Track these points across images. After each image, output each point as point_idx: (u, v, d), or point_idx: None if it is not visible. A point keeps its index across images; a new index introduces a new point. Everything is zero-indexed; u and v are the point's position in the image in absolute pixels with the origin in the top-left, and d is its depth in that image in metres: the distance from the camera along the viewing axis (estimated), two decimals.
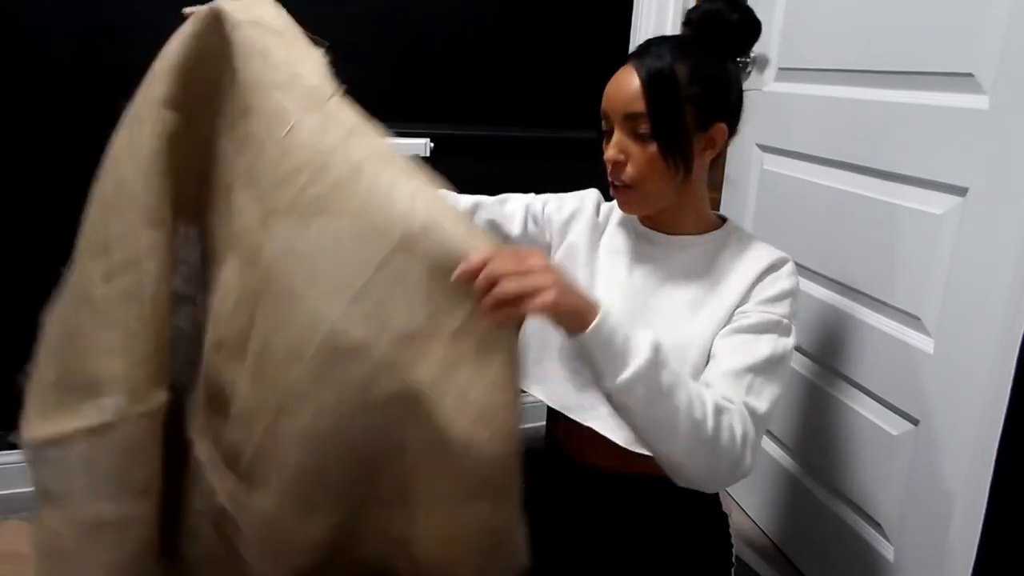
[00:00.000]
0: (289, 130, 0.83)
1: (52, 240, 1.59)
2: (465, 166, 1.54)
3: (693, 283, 1.03)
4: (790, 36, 1.57)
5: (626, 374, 0.78)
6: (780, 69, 1.59)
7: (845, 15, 1.40)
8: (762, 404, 0.89)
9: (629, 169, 0.97)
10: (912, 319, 1.23)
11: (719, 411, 0.84)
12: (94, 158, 1.66)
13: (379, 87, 1.71)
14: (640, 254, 1.07)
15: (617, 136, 0.97)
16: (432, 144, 1.68)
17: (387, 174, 0.83)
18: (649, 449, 0.85)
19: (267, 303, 0.79)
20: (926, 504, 1.20)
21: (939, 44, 1.18)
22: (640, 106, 0.94)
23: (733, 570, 1.07)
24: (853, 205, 1.36)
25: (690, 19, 1.01)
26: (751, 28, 1.02)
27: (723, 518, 1.10)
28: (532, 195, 1.17)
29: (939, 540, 1.17)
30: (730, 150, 1.74)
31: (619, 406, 0.81)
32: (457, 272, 0.74)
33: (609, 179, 1.00)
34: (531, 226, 1.14)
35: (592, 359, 0.79)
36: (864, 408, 1.35)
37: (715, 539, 1.08)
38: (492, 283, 0.72)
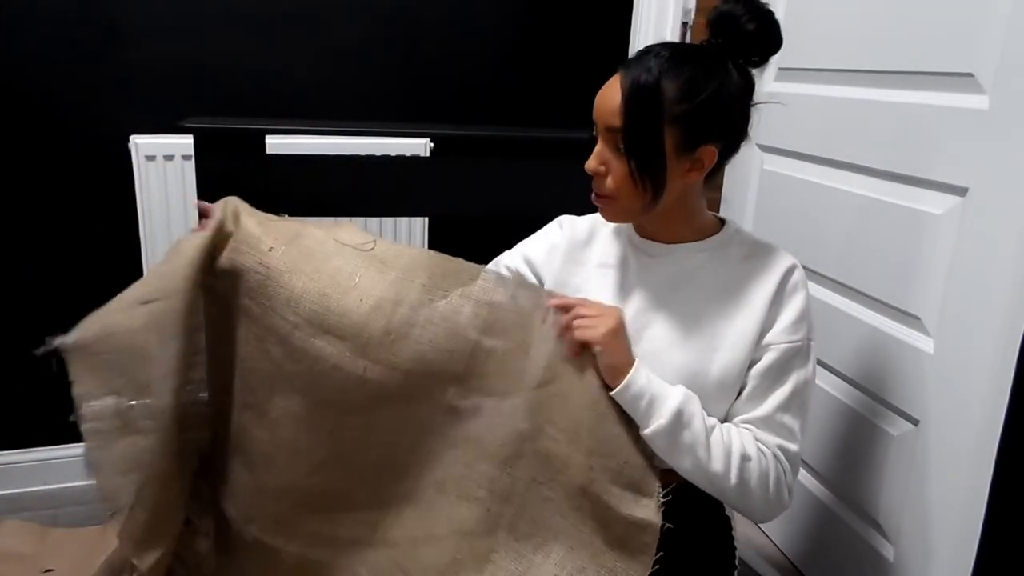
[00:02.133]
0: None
1: (51, 239, 1.59)
2: (465, 166, 1.54)
3: (697, 294, 0.99)
4: (790, 36, 1.55)
5: (647, 431, 0.90)
6: (780, 69, 1.59)
7: (845, 15, 1.40)
8: (794, 443, 0.96)
9: (608, 181, 0.93)
10: (912, 319, 1.23)
11: (745, 459, 0.92)
12: (94, 158, 1.66)
13: (379, 87, 1.71)
14: (638, 266, 1.03)
15: (599, 147, 0.94)
16: (432, 144, 1.68)
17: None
18: (704, 487, 0.94)
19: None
20: (926, 504, 1.20)
21: (939, 44, 1.18)
22: (617, 121, 0.90)
23: (736, 573, 1.07)
24: (853, 205, 1.36)
25: (709, 20, 0.95)
26: (770, 40, 0.94)
27: (726, 521, 1.09)
28: (517, 247, 1.15)
29: (939, 540, 1.17)
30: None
31: (657, 448, 0.92)
32: (556, 302, 0.95)
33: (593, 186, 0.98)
34: (531, 275, 1.11)
35: (627, 405, 0.91)
36: (864, 408, 1.35)
37: (719, 542, 1.08)
38: (571, 319, 0.93)
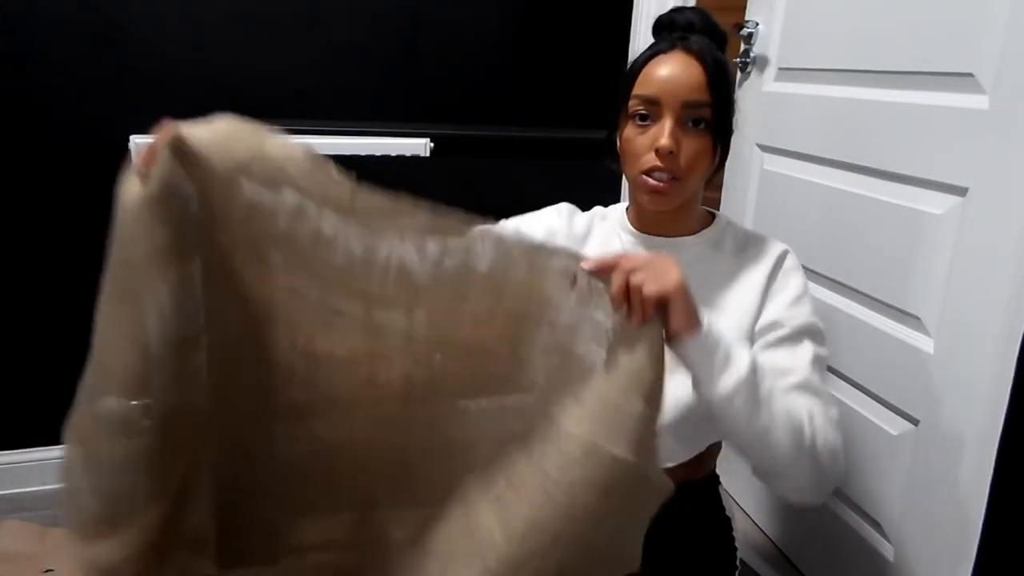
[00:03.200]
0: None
1: (51, 239, 1.59)
2: (465, 166, 1.54)
3: (700, 283, 1.01)
4: (790, 36, 1.57)
5: (727, 383, 0.79)
6: (780, 69, 1.59)
7: (845, 15, 1.39)
8: (834, 409, 0.91)
9: (681, 160, 0.93)
10: (912, 319, 1.23)
11: (812, 418, 0.85)
12: (94, 158, 1.66)
13: (379, 87, 1.71)
14: None
15: (671, 126, 0.92)
16: (432, 144, 1.68)
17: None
18: (755, 462, 0.87)
19: None
20: (926, 504, 1.20)
21: (939, 44, 1.18)
22: (704, 95, 0.92)
23: (737, 573, 1.07)
24: (853, 205, 1.36)
25: (692, 22, 0.97)
26: (727, 41, 1.02)
27: (726, 521, 1.09)
28: (503, 223, 1.11)
29: (939, 540, 1.17)
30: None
31: (720, 416, 0.82)
32: (592, 264, 0.77)
33: (646, 169, 0.94)
34: None
35: (695, 365, 0.79)
36: (864, 408, 1.35)
37: (719, 542, 1.08)
38: (626, 276, 0.75)
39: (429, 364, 0.83)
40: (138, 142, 1.50)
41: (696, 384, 0.81)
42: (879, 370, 1.31)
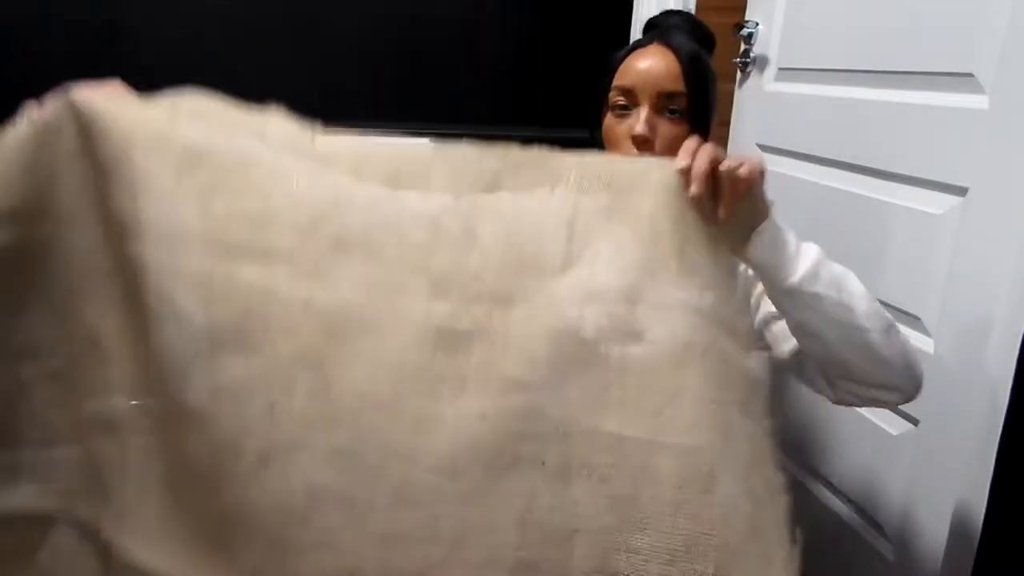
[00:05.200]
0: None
1: None
2: None
3: None
4: (790, 36, 1.56)
5: (807, 264, 0.80)
6: (780, 69, 1.59)
7: (845, 15, 1.39)
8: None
9: (657, 147, 0.97)
10: (912, 319, 1.23)
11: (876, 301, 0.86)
12: None
13: (379, 87, 1.71)
14: None
15: (647, 113, 0.97)
16: (432, 144, 1.68)
17: None
18: (849, 356, 0.83)
19: None
20: (926, 504, 1.20)
21: (939, 44, 1.18)
22: (679, 85, 0.96)
23: None
24: (853, 205, 1.36)
25: (677, 24, 1.04)
26: (714, 43, 1.08)
27: None
28: None
29: (939, 540, 1.17)
30: (730, 150, 1.74)
31: (808, 304, 0.80)
32: (680, 166, 0.72)
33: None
34: None
35: (774, 254, 0.79)
36: (864, 408, 1.34)
37: None
38: (712, 167, 0.73)
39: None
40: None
41: (776, 278, 0.80)
42: None
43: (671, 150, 0.93)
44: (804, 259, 0.81)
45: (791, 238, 0.82)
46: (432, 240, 0.72)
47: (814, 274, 0.80)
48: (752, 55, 1.65)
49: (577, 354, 0.69)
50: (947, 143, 1.16)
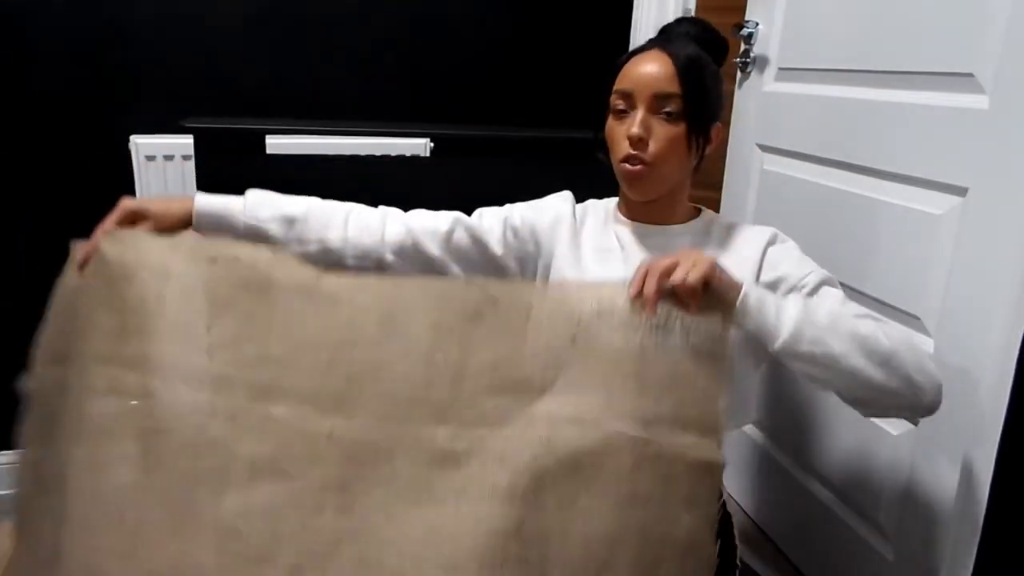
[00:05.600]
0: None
1: (51, 240, 1.59)
2: (465, 166, 1.54)
3: None
4: (790, 36, 1.57)
5: (788, 325, 0.85)
6: (780, 69, 1.59)
7: (845, 15, 1.40)
8: (894, 325, 0.96)
9: (651, 146, 1.00)
10: (912, 319, 1.23)
11: (880, 326, 0.91)
12: (94, 158, 1.66)
13: (379, 87, 1.71)
14: (631, 247, 1.09)
15: (642, 114, 1.00)
16: (432, 144, 1.68)
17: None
18: (854, 396, 0.92)
19: None
20: (926, 504, 1.20)
21: (939, 44, 1.18)
22: (674, 87, 0.99)
23: (738, 572, 1.07)
24: (853, 205, 1.36)
25: (688, 32, 1.05)
26: (725, 49, 1.09)
27: (727, 518, 1.09)
28: (508, 206, 1.15)
29: (939, 540, 1.17)
30: (730, 150, 1.74)
31: (798, 360, 0.87)
32: (632, 293, 0.83)
33: (622, 157, 1.02)
34: (511, 238, 1.11)
35: (755, 323, 0.86)
36: None
37: (720, 542, 1.08)
38: (662, 282, 0.83)
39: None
40: (139, 142, 1.50)
41: (763, 342, 0.87)
42: None
43: (665, 150, 1.00)
44: (786, 321, 0.86)
45: (769, 303, 0.86)
46: (428, 374, 0.85)
47: (798, 333, 0.85)
48: (752, 55, 1.66)
49: (552, 467, 0.81)
50: (947, 143, 1.16)
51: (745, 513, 1.73)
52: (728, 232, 1.09)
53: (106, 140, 1.54)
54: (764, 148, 1.64)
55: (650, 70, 1.00)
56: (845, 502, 1.41)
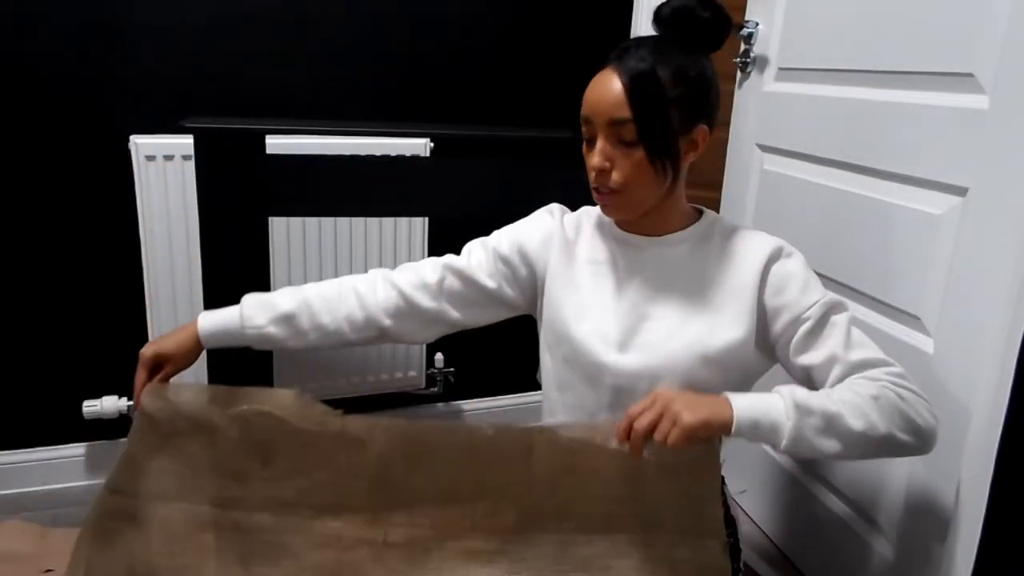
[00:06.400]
0: None
1: (51, 239, 1.59)
2: (465, 166, 1.54)
3: (688, 280, 1.03)
4: (790, 36, 1.57)
5: (785, 439, 0.87)
6: (780, 69, 1.59)
7: (845, 15, 1.40)
8: (890, 367, 0.96)
9: (615, 175, 0.96)
10: (912, 319, 1.23)
11: (876, 399, 0.90)
12: (94, 158, 1.66)
13: (379, 87, 1.71)
14: (626, 260, 1.06)
15: (601, 143, 0.96)
16: (432, 144, 1.68)
17: None
18: (875, 457, 0.99)
19: None
20: (926, 504, 1.20)
21: (939, 44, 1.18)
22: (625, 112, 0.92)
23: (740, 574, 1.07)
24: (853, 205, 1.36)
25: (660, 15, 0.98)
26: (723, 24, 0.98)
27: (731, 522, 1.09)
28: (495, 234, 1.13)
29: (939, 540, 1.17)
30: (730, 150, 1.74)
31: (806, 457, 0.94)
32: (618, 440, 0.89)
33: (593, 185, 0.99)
34: (501, 267, 1.10)
35: (754, 437, 0.88)
36: None
37: None
38: (645, 432, 0.86)
39: None
40: (139, 142, 1.50)
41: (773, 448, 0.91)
42: None
43: (630, 179, 0.96)
44: (782, 435, 0.87)
45: (763, 423, 0.87)
46: (452, 494, 0.99)
47: (796, 439, 0.87)
48: (752, 55, 1.66)
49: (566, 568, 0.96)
50: (947, 143, 1.16)
51: (746, 514, 1.73)
52: (729, 238, 1.04)
53: (106, 140, 1.54)
54: (764, 148, 1.64)
55: (601, 95, 0.94)
56: (845, 502, 1.41)
